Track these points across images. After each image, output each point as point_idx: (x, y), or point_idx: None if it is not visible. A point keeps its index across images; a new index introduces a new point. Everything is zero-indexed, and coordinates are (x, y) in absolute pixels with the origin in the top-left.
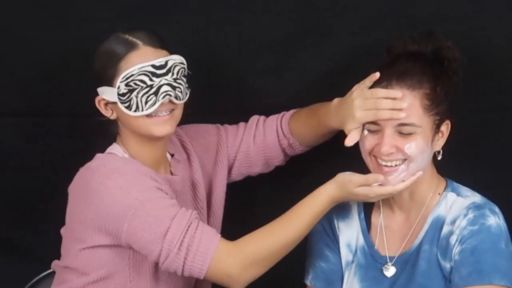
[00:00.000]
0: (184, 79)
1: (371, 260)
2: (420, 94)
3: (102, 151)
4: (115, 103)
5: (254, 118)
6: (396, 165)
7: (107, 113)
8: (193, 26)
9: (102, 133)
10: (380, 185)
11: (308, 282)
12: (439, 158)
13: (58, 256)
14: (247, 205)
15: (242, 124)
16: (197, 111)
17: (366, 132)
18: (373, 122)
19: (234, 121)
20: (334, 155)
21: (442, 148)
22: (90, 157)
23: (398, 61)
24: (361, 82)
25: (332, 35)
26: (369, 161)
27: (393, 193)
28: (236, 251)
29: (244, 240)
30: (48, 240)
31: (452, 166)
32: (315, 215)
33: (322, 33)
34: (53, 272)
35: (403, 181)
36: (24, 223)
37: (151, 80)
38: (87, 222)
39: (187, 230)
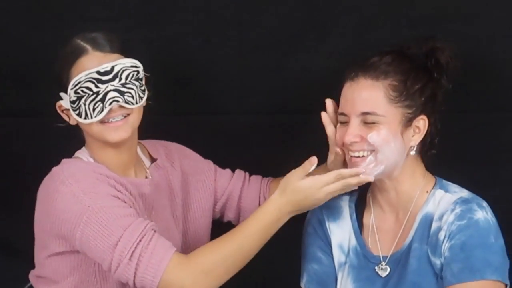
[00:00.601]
0: (138, 83)
1: (364, 260)
2: (384, 84)
3: None
4: (69, 110)
5: (240, 171)
6: (363, 156)
7: (67, 119)
8: (193, 26)
9: None
10: None
11: (303, 285)
12: (412, 153)
13: None
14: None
15: (228, 170)
16: (196, 111)
17: (338, 124)
18: (342, 113)
19: (234, 121)
20: None
21: (439, 147)
22: None
23: (370, 57)
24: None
25: (332, 34)
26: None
27: (340, 182)
28: (188, 263)
29: (196, 251)
30: None
31: (450, 166)
32: (264, 226)
33: (322, 33)
34: None
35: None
36: (24, 223)
37: (96, 87)
38: (46, 229)
39: (140, 240)
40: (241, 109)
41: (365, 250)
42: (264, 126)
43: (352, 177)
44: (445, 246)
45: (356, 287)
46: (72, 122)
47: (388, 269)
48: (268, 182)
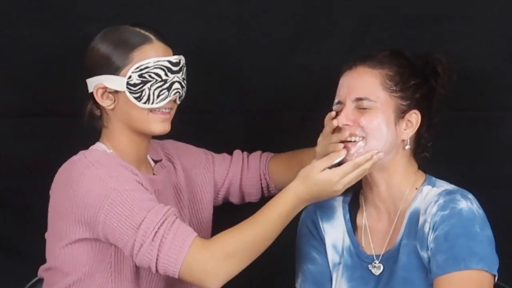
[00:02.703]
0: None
1: (358, 260)
2: (381, 74)
3: None
4: (117, 92)
5: (238, 153)
6: (355, 141)
7: (104, 102)
8: (193, 26)
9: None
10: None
11: (298, 285)
12: (407, 147)
13: None
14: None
15: (226, 155)
16: (197, 111)
17: (333, 113)
18: (338, 102)
19: (234, 120)
20: None
21: (432, 145)
22: None
23: (368, 51)
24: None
25: (331, 34)
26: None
27: (357, 170)
28: (211, 246)
29: (219, 235)
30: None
31: (446, 164)
32: (284, 212)
33: (322, 33)
34: None
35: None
36: (24, 223)
37: (166, 75)
38: (67, 216)
39: (163, 222)
40: (241, 109)
41: (359, 249)
42: (264, 126)
43: (368, 161)
44: (430, 237)
45: (350, 286)
46: (109, 106)
47: (382, 267)
48: (267, 161)
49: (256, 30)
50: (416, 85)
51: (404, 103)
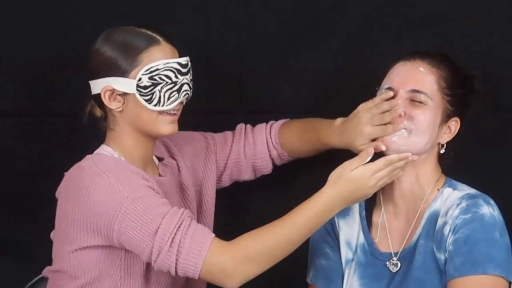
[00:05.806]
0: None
1: (371, 257)
2: (438, 74)
3: None
4: (126, 94)
5: (241, 126)
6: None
7: (112, 104)
8: (193, 26)
9: (102, 133)
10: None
11: (309, 280)
12: (442, 151)
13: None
14: (236, 210)
15: (228, 132)
16: (197, 111)
17: (391, 93)
18: (389, 88)
19: (234, 120)
20: (324, 161)
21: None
22: None
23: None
24: (369, 101)
25: (332, 35)
26: None
27: (389, 167)
28: (230, 247)
29: (240, 237)
30: (48, 241)
31: (453, 165)
32: (313, 217)
33: (322, 33)
34: None
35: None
36: (24, 223)
37: (176, 77)
38: (78, 223)
39: (179, 227)
40: (241, 110)
41: (373, 247)
42: None
43: (400, 160)
44: (450, 240)
45: (362, 283)
46: (117, 108)
47: (399, 264)
48: (277, 130)
49: (256, 30)
50: (463, 94)
51: (451, 109)
